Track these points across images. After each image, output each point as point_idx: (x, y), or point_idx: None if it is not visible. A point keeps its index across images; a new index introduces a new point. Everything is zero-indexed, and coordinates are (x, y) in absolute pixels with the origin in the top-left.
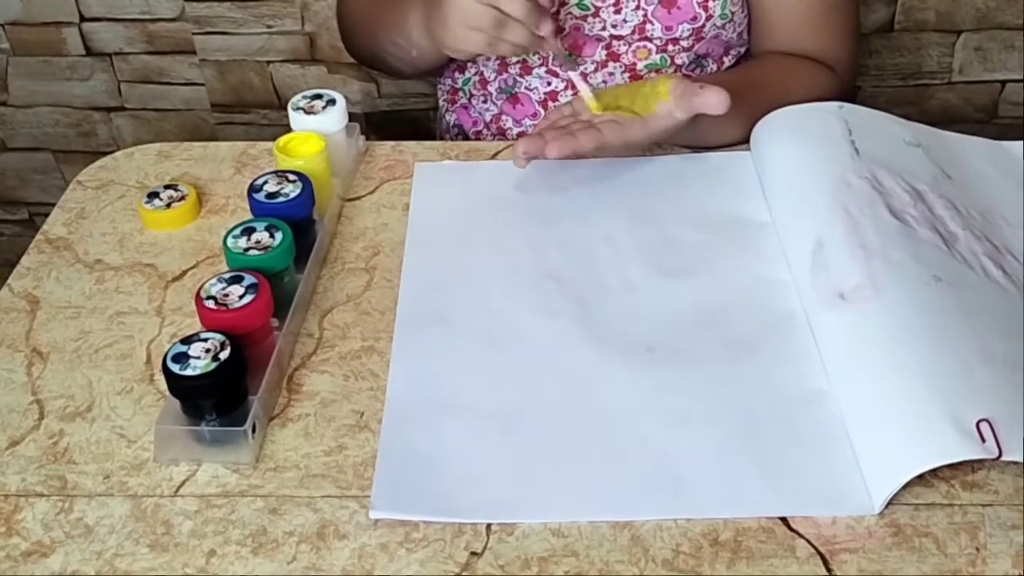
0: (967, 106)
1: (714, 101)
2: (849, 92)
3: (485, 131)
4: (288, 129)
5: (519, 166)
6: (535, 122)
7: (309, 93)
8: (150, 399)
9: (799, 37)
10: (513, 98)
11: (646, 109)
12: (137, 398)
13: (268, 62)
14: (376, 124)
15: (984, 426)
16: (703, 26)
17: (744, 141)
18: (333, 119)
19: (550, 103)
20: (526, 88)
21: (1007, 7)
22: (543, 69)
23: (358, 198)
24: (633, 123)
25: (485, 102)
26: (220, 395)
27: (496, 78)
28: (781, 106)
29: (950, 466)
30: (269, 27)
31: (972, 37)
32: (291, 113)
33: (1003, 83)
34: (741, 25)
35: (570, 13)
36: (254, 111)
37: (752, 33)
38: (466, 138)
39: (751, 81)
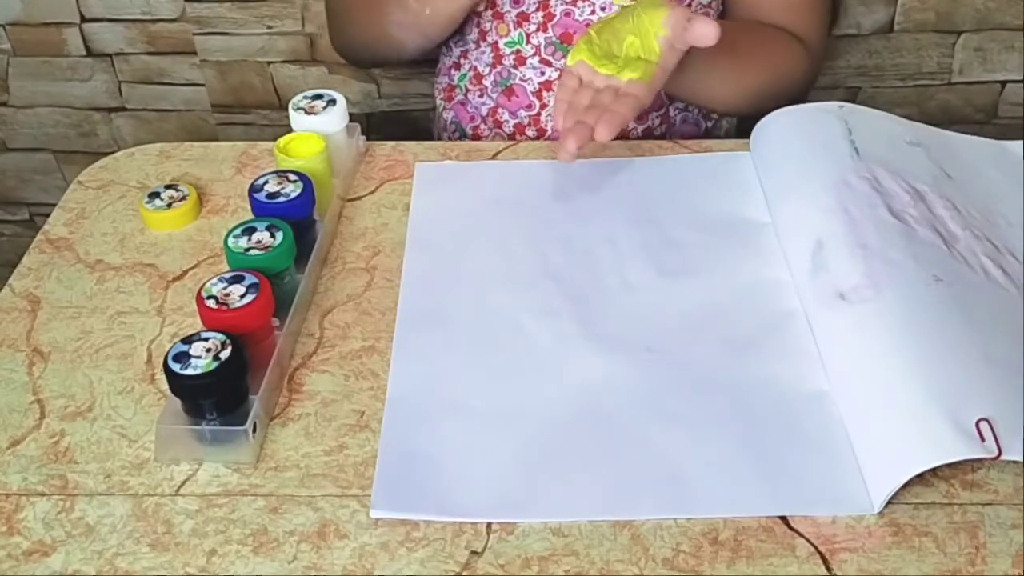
0: (967, 106)
1: (701, 32)
2: (818, 71)
3: (482, 125)
4: (288, 129)
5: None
6: (530, 114)
7: (309, 93)
8: (151, 399)
9: (771, 11)
10: (508, 90)
11: (652, 52)
12: (138, 398)
13: (268, 63)
14: (376, 124)
15: (983, 425)
16: (688, 6)
17: (732, 101)
18: (333, 119)
19: (544, 93)
20: (520, 79)
21: (1007, 8)
22: (536, 59)
23: (358, 198)
24: (655, 74)
25: (481, 96)
26: (221, 394)
27: (491, 72)
28: (763, 66)
29: (949, 465)
30: (269, 28)
31: (972, 38)
32: (291, 113)
33: (1003, 83)
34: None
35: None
36: (254, 111)
37: (726, 8)
38: (464, 135)
39: (738, 31)
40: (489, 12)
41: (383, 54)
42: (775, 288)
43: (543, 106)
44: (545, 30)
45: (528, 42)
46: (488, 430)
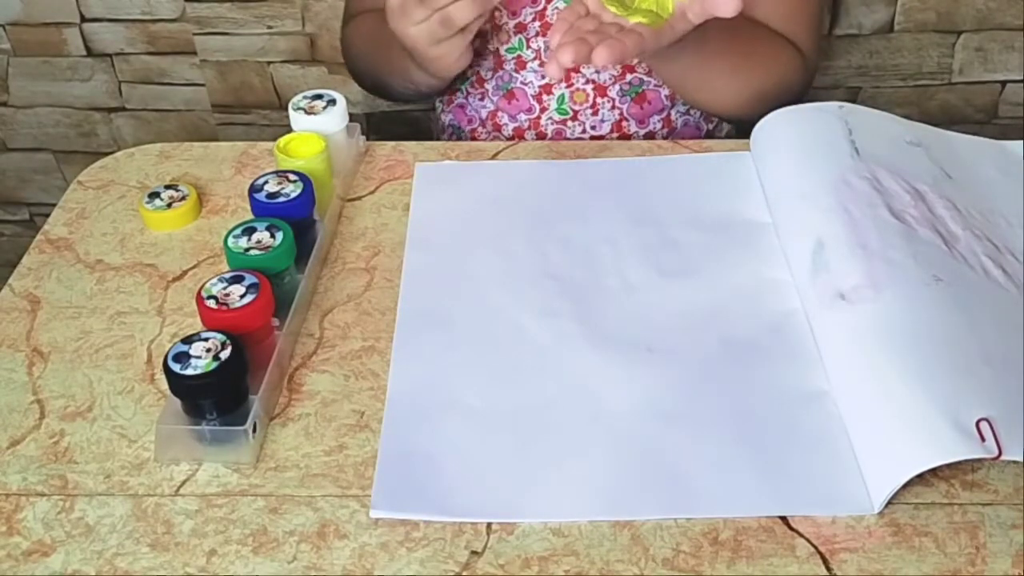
0: (967, 106)
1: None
2: (812, 79)
3: (480, 128)
4: (288, 129)
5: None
6: (530, 117)
7: (309, 93)
8: (151, 399)
9: (764, 17)
10: (509, 94)
11: (664, 9)
12: (138, 398)
13: (268, 63)
14: (376, 124)
15: (984, 425)
16: None
17: (730, 102)
18: (333, 119)
19: (544, 96)
20: (521, 83)
21: (1007, 7)
22: (537, 63)
23: (358, 198)
24: (663, 28)
25: (482, 99)
26: (221, 394)
27: (492, 76)
28: (761, 68)
29: (950, 465)
30: (270, 28)
31: (972, 38)
32: (291, 113)
33: (1003, 83)
34: None
35: (557, 8)
36: (254, 111)
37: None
38: (461, 138)
39: (739, 30)
40: (488, 25)
41: (393, 100)
42: (775, 288)
43: (543, 109)
44: (544, 35)
45: (528, 47)
46: (488, 430)
